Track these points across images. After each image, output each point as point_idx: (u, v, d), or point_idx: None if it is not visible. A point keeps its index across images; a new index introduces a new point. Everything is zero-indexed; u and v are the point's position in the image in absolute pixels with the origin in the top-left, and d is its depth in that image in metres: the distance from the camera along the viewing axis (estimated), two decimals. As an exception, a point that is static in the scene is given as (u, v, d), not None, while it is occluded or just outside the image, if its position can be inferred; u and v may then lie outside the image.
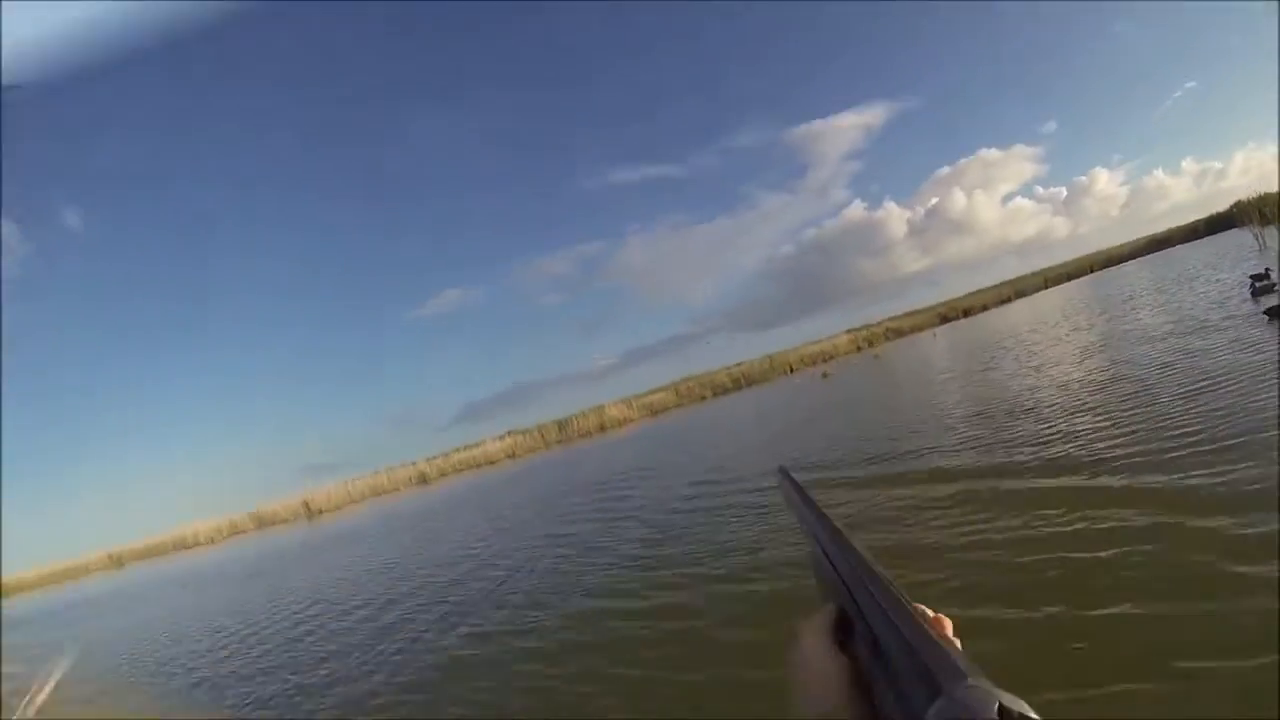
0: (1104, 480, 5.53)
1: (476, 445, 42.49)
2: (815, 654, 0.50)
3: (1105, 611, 3.54)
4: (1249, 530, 3.89)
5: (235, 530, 42.51)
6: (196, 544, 41.47)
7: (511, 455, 38.37)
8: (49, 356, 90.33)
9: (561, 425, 39.08)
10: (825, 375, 28.91)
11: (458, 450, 43.34)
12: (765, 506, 7.85)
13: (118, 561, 44.23)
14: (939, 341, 30.93)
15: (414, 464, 42.52)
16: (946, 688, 0.34)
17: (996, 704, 0.32)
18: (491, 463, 38.23)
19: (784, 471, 0.80)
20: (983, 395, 11.12)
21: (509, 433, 43.15)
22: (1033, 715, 0.31)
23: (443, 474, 39.95)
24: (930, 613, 0.49)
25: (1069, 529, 4.75)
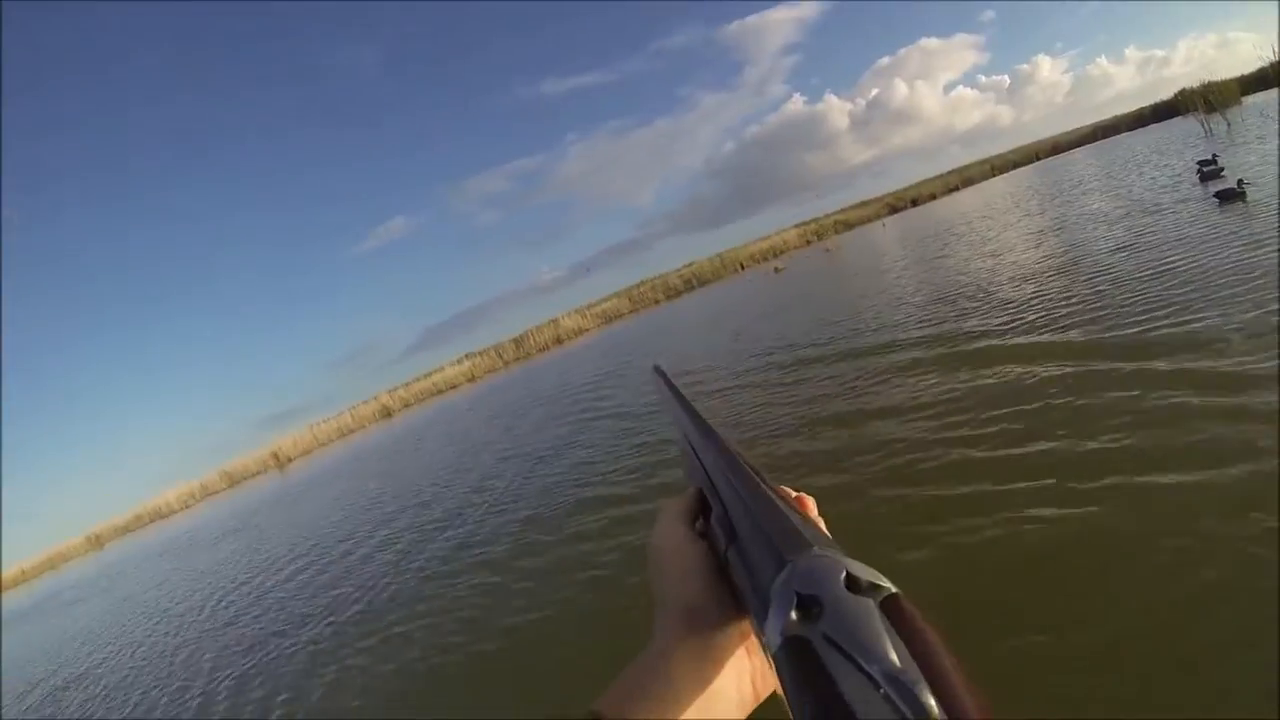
0: (1070, 336, 5.91)
1: (435, 372, 41.77)
2: (673, 539, 0.49)
3: (1089, 448, 3.83)
4: (1216, 368, 4.26)
5: (207, 492, 42.40)
6: (171, 511, 41.47)
7: (471, 378, 37.98)
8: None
9: (518, 342, 38.57)
10: (778, 270, 28.79)
11: (417, 379, 42.73)
12: (746, 385, 8.42)
13: (97, 542, 43.99)
14: (889, 232, 30.96)
15: (375, 398, 42.15)
16: (791, 557, 0.33)
17: (844, 572, 0.31)
18: (453, 387, 37.97)
19: (658, 370, 0.80)
20: (939, 281, 11.17)
21: (465, 355, 42.47)
22: (883, 582, 0.30)
23: (405, 405, 39.69)
24: (793, 493, 0.49)
25: (1038, 378, 5.17)
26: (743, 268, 42.04)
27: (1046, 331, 6.27)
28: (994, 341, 6.48)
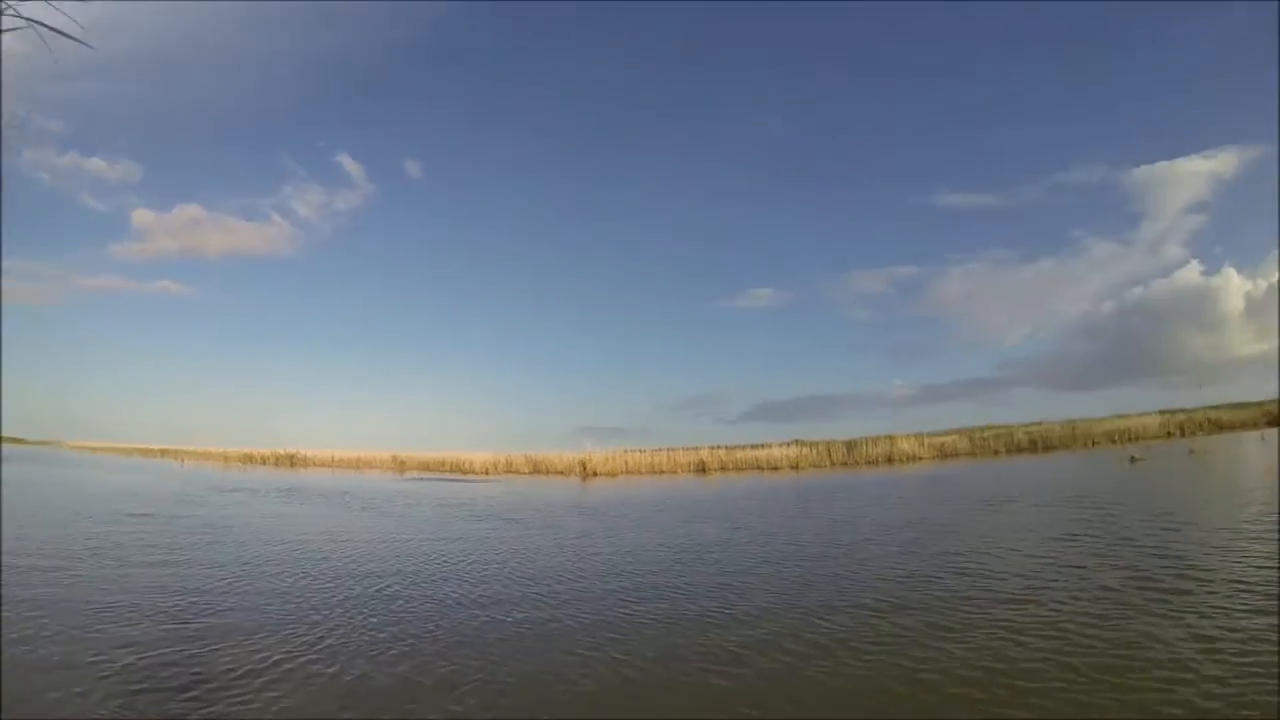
0: None
1: (761, 447, 45.43)
2: None
3: None
4: None
5: (510, 469, 46.32)
6: (471, 471, 46.59)
7: (795, 466, 40.76)
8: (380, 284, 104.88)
9: (850, 446, 41.34)
10: (1135, 460, 27.82)
11: (741, 448, 46.67)
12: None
13: (400, 465, 52.95)
14: (1267, 446, 28.81)
15: (696, 450, 45.11)
16: None
17: None
18: (773, 469, 40.62)
19: None
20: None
21: (796, 441, 45.95)
22: None
23: (723, 468, 42.08)
24: None
25: None
26: (1094, 444, 41.02)
27: None
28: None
